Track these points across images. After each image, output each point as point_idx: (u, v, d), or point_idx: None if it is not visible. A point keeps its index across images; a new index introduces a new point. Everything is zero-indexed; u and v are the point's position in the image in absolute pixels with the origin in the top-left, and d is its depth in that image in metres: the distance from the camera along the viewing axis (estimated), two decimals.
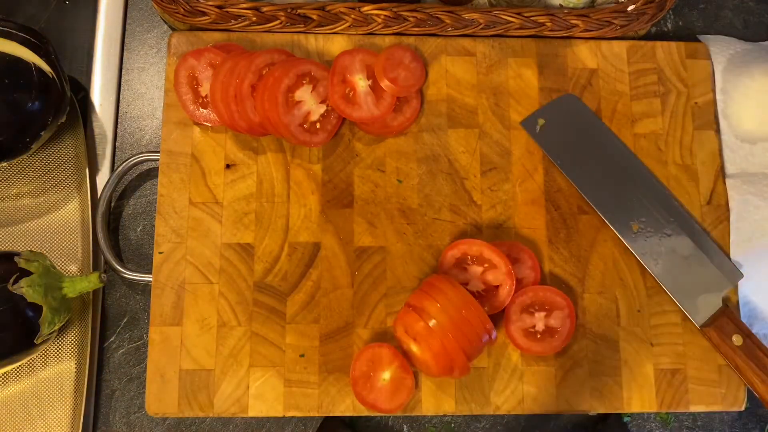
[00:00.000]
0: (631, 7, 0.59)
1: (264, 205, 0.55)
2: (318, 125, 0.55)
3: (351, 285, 0.54)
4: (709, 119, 0.59)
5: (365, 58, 0.57)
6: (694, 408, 0.54)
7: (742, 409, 0.54)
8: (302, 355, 0.53)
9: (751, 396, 0.54)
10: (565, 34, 0.59)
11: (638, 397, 0.54)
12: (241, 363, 0.53)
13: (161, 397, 0.52)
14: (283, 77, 0.54)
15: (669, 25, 0.65)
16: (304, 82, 0.55)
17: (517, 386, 0.53)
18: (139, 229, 0.58)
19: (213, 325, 0.53)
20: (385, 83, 0.56)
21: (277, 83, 0.54)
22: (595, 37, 0.60)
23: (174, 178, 0.55)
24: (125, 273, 0.55)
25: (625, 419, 0.57)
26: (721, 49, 0.61)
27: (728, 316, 0.54)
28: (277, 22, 0.58)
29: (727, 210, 0.57)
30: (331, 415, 0.53)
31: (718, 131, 0.59)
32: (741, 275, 0.55)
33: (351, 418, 0.56)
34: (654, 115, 0.59)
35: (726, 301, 0.55)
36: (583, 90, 0.59)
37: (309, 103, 0.55)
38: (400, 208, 0.56)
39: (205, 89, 0.55)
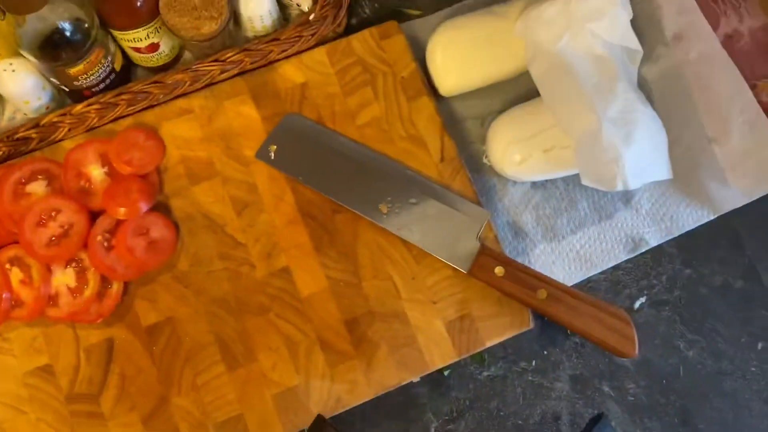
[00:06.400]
0: (312, 16, 0.63)
1: (48, 324, 0.58)
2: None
3: (153, 363, 0.58)
4: (419, 87, 0.64)
5: (98, 147, 0.60)
6: (489, 342, 0.59)
7: (531, 326, 0.60)
8: None
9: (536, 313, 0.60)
10: (265, 62, 0.63)
11: (438, 354, 0.59)
12: None
13: None
14: (16, 170, 0.58)
15: (367, 11, 0.69)
16: (39, 177, 0.58)
17: (332, 388, 0.58)
18: None
19: None
20: (121, 167, 0.59)
21: (7, 176, 0.57)
22: (295, 53, 0.64)
23: None
24: None
25: (446, 373, 0.62)
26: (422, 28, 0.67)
27: (487, 253, 0.59)
28: (0, 153, 0.60)
29: (459, 161, 0.63)
30: None
31: (429, 95, 0.64)
32: (488, 215, 0.61)
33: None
34: (369, 103, 0.63)
35: (483, 240, 0.60)
36: (301, 105, 0.63)
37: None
38: (173, 275, 0.59)
39: None
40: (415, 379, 0.61)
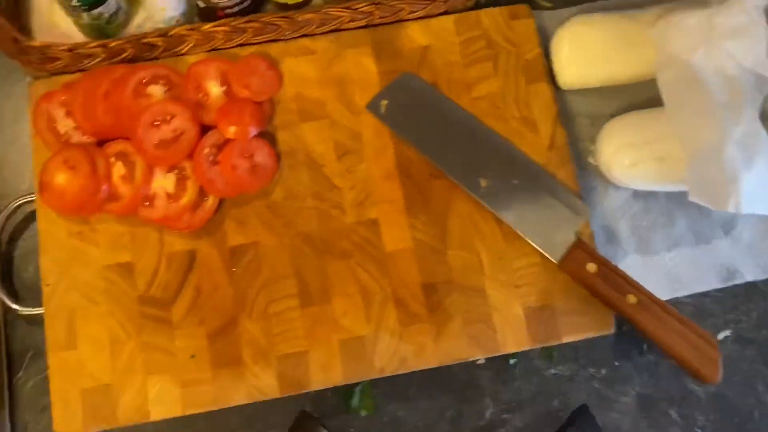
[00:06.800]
0: None
1: (137, 223, 0.59)
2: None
3: (230, 283, 0.58)
4: (540, 72, 0.63)
5: (220, 66, 0.61)
6: (566, 339, 0.58)
7: (612, 332, 0.58)
8: (193, 356, 0.56)
9: (621, 319, 0.58)
10: (393, 19, 0.64)
11: (512, 338, 0.58)
12: (137, 373, 0.56)
13: (67, 418, 0.55)
14: (140, 70, 0.59)
15: None
16: (160, 81, 0.59)
17: (398, 346, 0.57)
18: (30, 268, 0.62)
19: (106, 343, 0.57)
20: (239, 89, 0.60)
21: (132, 74, 0.58)
22: (423, 17, 0.64)
23: (50, 214, 0.59)
24: (22, 310, 0.59)
25: (511, 362, 0.61)
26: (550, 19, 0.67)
27: (581, 248, 0.58)
28: (126, 54, 0.62)
29: (571, 151, 0.62)
30: (228, 406, 0.56)
31: (549, 82, 0.64)
32: (589, 210, 0.59)
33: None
34: (488, 77, 0.63)
35: (579, 234, 0.59)
36: (419, 66, 0.63)
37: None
38: (267, 204, 0.60)
39: (62, 127, 0.59)
40: (481, 360, 0.60)
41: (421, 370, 0.57)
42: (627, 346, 0.61)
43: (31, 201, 0.61)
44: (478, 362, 0.60)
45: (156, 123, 0.57)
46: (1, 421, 0.57)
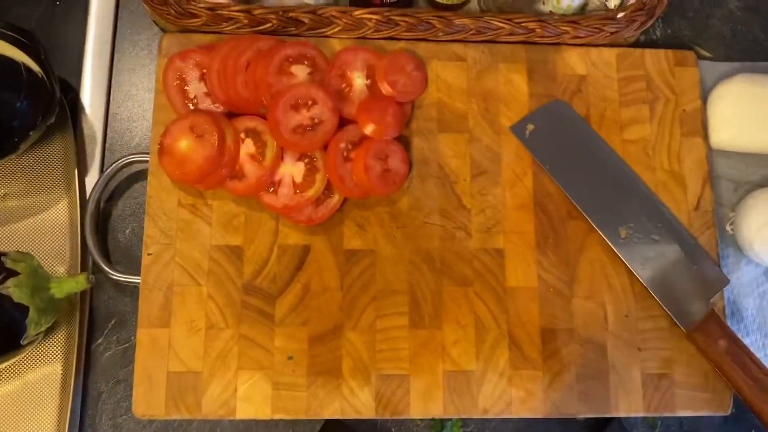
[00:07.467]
0: (620, 15, 0.59)
1: (254, 207, 0.55)
2: None
3: (340, 288, 0.54)
4: (697, 126, 0.60)
5: (368, 57, 0.57)
6: (681, 412, 0.54)
7: (728, 413, 0.55)
8: (290, 358, 0.53)
9: (737, 400, 0.55)
10: (554, 41, 0.60)
11: (625, 401, 0.54)
12: (229, 365, 0.52)
13: (148, 399, 0.52)
14: (288, 47, 0.55)
15: (658, 33, 0.65)
16: (305, 62, 0.56)
17: (506, 390, 0.53)
18: (127, 231, 0.58)
19: (201, 327, 0.53)
20: (384, 86, 0.56)
21: (280, 49, 0.54)
22: (584, 44, 0.60)
23: (163, 180, 0.55)
24: (113, 275, 0.55)
25: (612, 423, 0.57)
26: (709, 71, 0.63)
27: (715, 321, 0.54)
28: (269, 25, 0.58)
29: (714, 216, 0.58)
30: (319, 418, 0.53)
31: (705, 138, 0.60)
32: (727, 281, 0.56)
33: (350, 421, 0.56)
34: (642, 121, 0.59)
35: (713, 306, 0.55)
36: (573, 96, 0.59)
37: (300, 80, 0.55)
38: (390, 211, 0.56)
39: (192, 90, 0.55)
40: (581, 417, 0.57)
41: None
42: (735, 429, 0.58)
43: (141, 161, 0.57)
44: (579, 418, 0.57)
45: (296, 106, 0.53)
46: (75, 388, 0.54)
